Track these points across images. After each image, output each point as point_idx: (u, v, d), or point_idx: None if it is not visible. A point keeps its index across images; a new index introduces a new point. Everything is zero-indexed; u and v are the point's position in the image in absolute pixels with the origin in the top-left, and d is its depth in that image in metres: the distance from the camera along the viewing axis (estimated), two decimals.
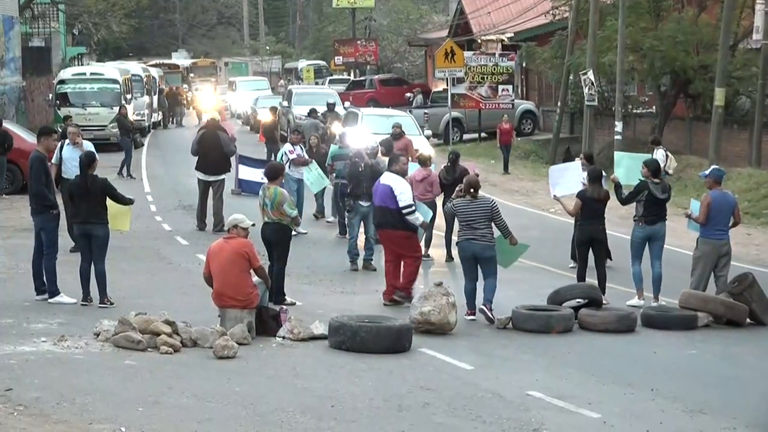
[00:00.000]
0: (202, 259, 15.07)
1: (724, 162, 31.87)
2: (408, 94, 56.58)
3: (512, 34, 52.48)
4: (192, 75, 78.90)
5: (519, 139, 43.38)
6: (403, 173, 17.70)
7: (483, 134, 47.85)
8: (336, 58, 71.74)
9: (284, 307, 15.53)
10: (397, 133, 26.59)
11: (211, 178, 23.68)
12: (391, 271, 17.18)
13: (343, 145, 24.21)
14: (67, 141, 20.73)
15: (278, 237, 16.67)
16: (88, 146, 19.81)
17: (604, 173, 18.53)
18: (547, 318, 15.72)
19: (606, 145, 39.06)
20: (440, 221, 21.54)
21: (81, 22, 63.51)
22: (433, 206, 21.46)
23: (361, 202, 20.16)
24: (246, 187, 27.64)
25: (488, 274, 16.24)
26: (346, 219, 21.27)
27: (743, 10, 36.25)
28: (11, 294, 16.49)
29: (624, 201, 18.00)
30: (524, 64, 52.71)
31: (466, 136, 48.27)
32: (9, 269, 18.58)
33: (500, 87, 44.62)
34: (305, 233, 23.42)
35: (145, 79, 52.14)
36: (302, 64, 78.24)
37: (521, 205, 30.48)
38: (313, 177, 24.19)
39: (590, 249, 17.70)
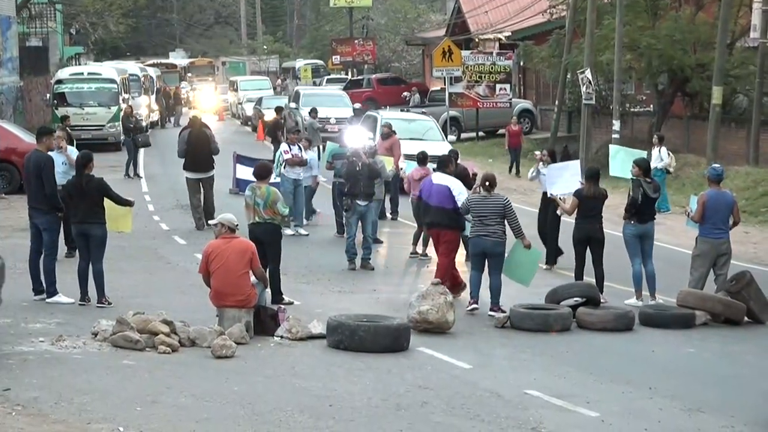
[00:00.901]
0: (200, 259, 15.05)
1: (721, 160, 31.85)
2: (405, 94, 56.60)
3: (510, 33, 52.47)
4: (190, 74, 78.87)
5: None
6: (459, 174, 18.39)
7: (481, 133, 47.90)
8: (333, 57, 71.74)
9: (282, 306, 15.54)
10: (386, 133, 26.76)
11: (202, 176, 23.91)
12: (446, 266, 17.34)
13: (341, 144, 24.25)
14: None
15: (271, 237, 16.62)
16: (72, 152, 19.74)
17: (581, 182, 18.58)
18: (545, 317, 15.72)
19: (604, 144, 39.03)
20: None
21: (78, 22, 63.48)
22: None
23: (358, 201, 20.17)
24: (243, 187, 27.58)
25: (493, 273, 16.51)
26: (344, 218, 21.28)
27: (740, 8, 36.25)
28: (9, 294, 16.43)
29: (630, 207, 17.74)
30: (522, 63, 52.69)
31: (463, 135, 48.29)
32: (7, 269, 18.51)
33: (498, 86, 44.65)
34: (306, 235, 23.43)
35: (142, 79, 52.15)
36: (300, 63, 78.25)
37: (519, 204, 30.37)
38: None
39: (587, 247, 17.73)
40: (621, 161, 21.38)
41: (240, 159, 29.03)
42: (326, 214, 24.93)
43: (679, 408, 12.13)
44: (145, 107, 51.02)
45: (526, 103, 50.99)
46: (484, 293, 16.66)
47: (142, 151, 37.73)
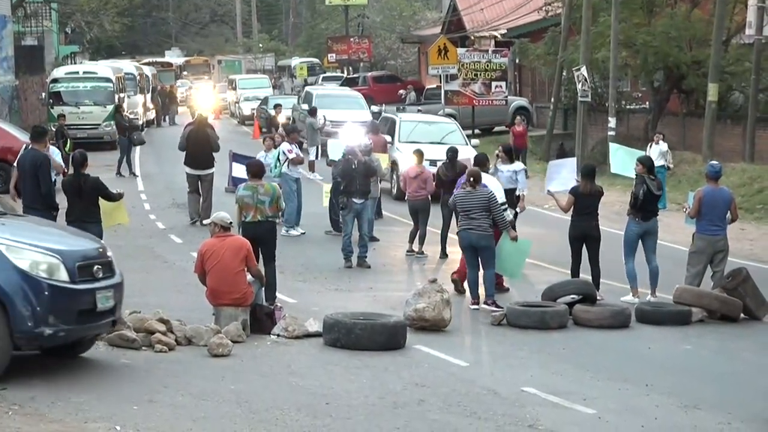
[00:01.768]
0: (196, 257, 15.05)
1: (717, 157, 31.86)
2: (401, 91, 56.56)
3: (505, 31, 52.47)
4: (185, 73, 78.76)
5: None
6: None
7: (476, 131, 47.85)
8: (329, 55, 71.68)
9: (279, 304, 15.53)
10: (374, 129, 26.76)
11: (200, 172, 24.16)
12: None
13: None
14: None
15: (271, 235, 16.61)
16: (54, 152, 19.64)
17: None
18: (542, 314, 15.73)
19: (599, 141, 39.08)
20: (436, 219, 21.54)
21: (74, 21, 63.44)
22: (426, 203, 21.52)
23: (354, 200, 20.17)
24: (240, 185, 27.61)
25: (486, 266, 16.64)
26: (340, 216, 21.28)
27: (736, 5, 36.25)
28: None
29: (633, 205, 17.73)
30: (518, 61, 52.68)
31: None
32: None
33: (494, 83, 44.59)
34: (304, 233, 23.43)
35: (138, 78, 52.10)
36: (295, 61, 78.16)
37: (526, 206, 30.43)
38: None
39: (583, 245, 17.74)
40: (621, 159, 21.40)
41: (236, 157, 28.99)
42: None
43: (675, 405, 12.14)
44: (141, 106, 50.99)
45: (522, 101, 50.96)
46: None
47: (138, 149, 37.72)
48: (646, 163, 17.82)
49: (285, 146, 24.01)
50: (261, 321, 14.59)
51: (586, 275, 17.67)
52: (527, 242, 17.52)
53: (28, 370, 12.02)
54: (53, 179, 17.22)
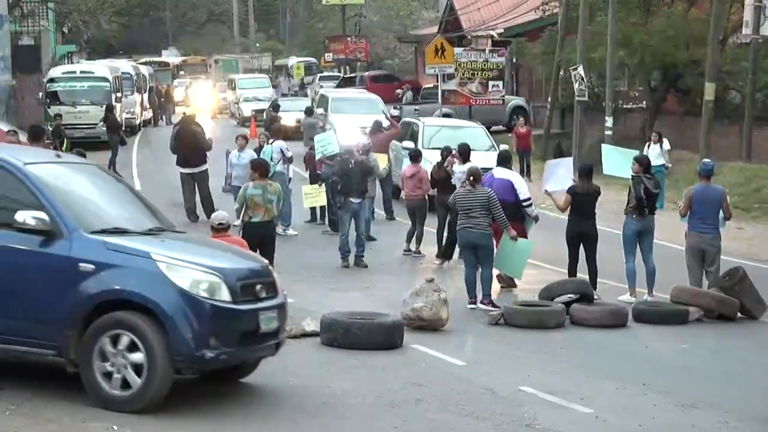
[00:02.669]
0: None
1: (715, 156, 31.84)
2: (398, 91, 56.54)
3: (502, 30, 52.45)
4: (182, 72, 78.69)
5: (509, 135, 43.31)
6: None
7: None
8: (326, 54, 71.67)
9: None
10: (377, 128, 26.66)
11: (192, 170, 24.48)
12: None
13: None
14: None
15: (274, 235, 16.80)
16: None
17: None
18: (539, 314, 15.73)
19: (597, 141, 39.04)
20: (432, 218, 21.55)
21: (71, 21, 63.34)
22: (423, 203, 21.52)
23: (351, 199, 20.16)
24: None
25: (485, 264, 16.76)
26: (337, 216, 21.28)
27: (733, 4, 36.25)
28: None
29: (636, 204, 17.73)
30: (515, 60, 52.68)
31: None
32: None
33: (491, 83, 44.55)
34: (296, 234, 23.42)
35: (135, 77, 52.06)
36: (292, 61, 78.12)
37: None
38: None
39: (581, 244, 17.76)
40: (615, 160, 21.37)
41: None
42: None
43: (672, 404, 12.15)
44: (138, 105, 50.95)
45: (519, 100, 50.94)
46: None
47: (135, 149, 37.72)
48: (642, 162, 17.84)
49: (281, 144, 23.98)
50: None
51: (583, 274, 17.67)
52: (529, 243, 17.56)
53: (25, 370, 12.01)
54: None
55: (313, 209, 24.81)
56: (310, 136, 32.47)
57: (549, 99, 43.97)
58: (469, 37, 56.55)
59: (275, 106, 38.72)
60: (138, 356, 10.34)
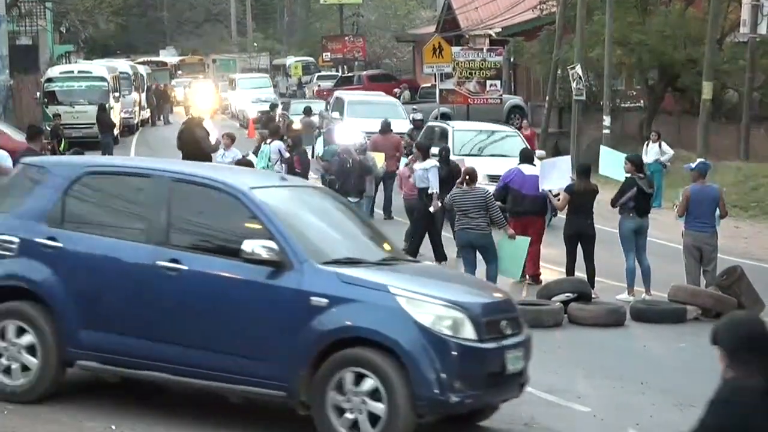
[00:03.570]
0: None
1: (712, 155, 31.90)
2: (396, 90, 56.58)
3: (500, 30, 52.45)
4: (180, 72, 78.65)
5: None
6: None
7: None
8: (324, 54, 71.67)
9: None
10: (386, 128, 26.62)
11: None
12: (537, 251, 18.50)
13: (330, 141, 24.26)
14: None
15: None
16: (2, 157, 19.56)
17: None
18: (537, 313, 15.73)
19: (594, 140, 39.07)
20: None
21: (68, 20, 63.31)
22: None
23: (350, 198, 20.15)
24: None
25: (488, 261, 16.90)
26: None
27: (730, 3, 36.31)
28: None
29: (614, 202, 17.93)
30: (512, 59, 52.70)
31: None
32: None
33: (488, 82, 44.59)
34: None
35: (133, 77, 52.06)
36: (290, 60, 78.15)
37: None
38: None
39: (578, 243, 17.78)
40: (612, 162, 21.35)
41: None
42: None
43: (670, 402, 12.15)
44: (136, 105, 50.96)
45: (516, 99, 50.96)
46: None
47: (133, 147, 37.70)
48: (635, 162, 17.89)
49: (279, 144, 23.97)
50: None
51: (581, 273, 17.68)
52: (525, 240, 17.53)
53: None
54: None
55: None
56: (308, 135, 32.56)
57: (547, 98, 43.97)
58: (467, 36, 56.57)
59: (273, 106, 38.73)
60: (376, 403, 9.47)
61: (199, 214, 10.40)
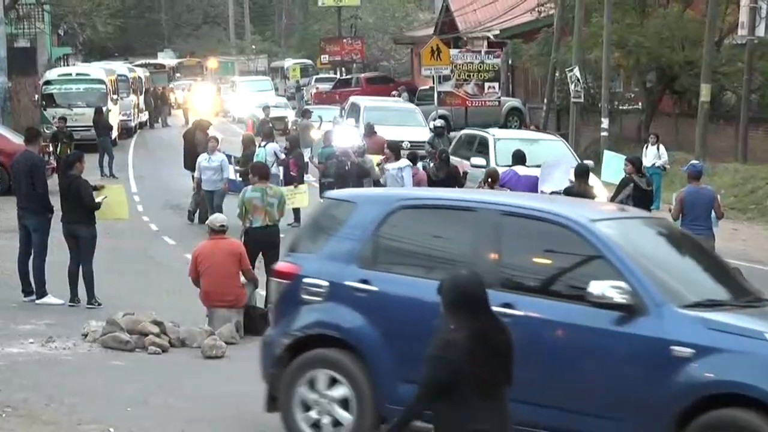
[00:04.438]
0: (190, 259, 15.03)
1: (710, 157, 31.94)
2: (394, 93, 56.58)
3: (498, 32, 52.47)
4: (178, 75, 78.63)
5: None
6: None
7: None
8: (322, 56, 71.64)
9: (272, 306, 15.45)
10: (371, 131, 26.72)
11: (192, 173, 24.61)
12: None
13: (327, 144, 24.22)
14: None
15: (278, 240, 15.94)
16: None
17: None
18: None
19: (593, 142, 39.10)
20: None
21: (66, 23, 63.34)
22: None
23: None
24: (233, 187, 27.64)
25: None
26: None
27: (728, 5, 36.31)
28: None
29: (611, 200, 18.01)
30: (510, 61, 52.71)
31: (452, 134, 48.07)
32: None
33: (486, 84, 44.65)
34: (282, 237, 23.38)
35: (131, 79, 52.04)
36: (288, 62, 78.13)
37: None
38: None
39: None
40: (614, 167, 21.32)
41: (229, 159, 29.00)
42: None
43: None
44: (134, 107, 50.95)
45: (514, 101, 51.00)
46: None
47: (131, 150, 37.72)
48: (635, 163, 17.94)
49: (276, 147, 23.95)
50: (254, 322, 14.54)
51: None
52: None
53: (21, 372, 12.02)
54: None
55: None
56: (305, 138, 32.54)
57: (545, 100, 44.02)
58: (465, 38, 56.61)
59: (265, 108, 38.69)
60: None
61: (533, 251, 9.23)
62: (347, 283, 9.47)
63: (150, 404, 11.02)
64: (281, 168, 23.72)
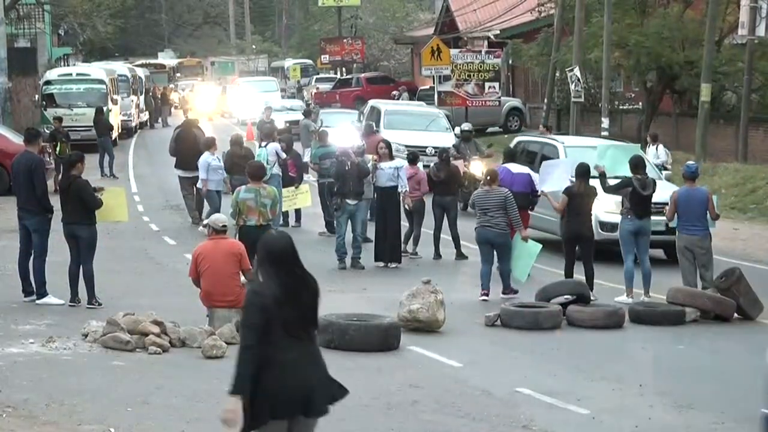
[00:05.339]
0: (190, 259, 15.03)
1: (710, 157, 31.97)
2: (394, 93, 56.60)
3: (498, 32, 52.52)
4: (179, 75, 78.63)
5: (506, 136, 43.33)
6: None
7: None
8: (322, 56, 71.68)
9: None
10: (370, 131, 26.81)
11: (190, 174, 24.21)
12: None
13: (323, 144, 24.21)
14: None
15: None
16: None
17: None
18: (536, 315, 15.74)
19: None
20: (428, 219, 21.55)
21: (67, 23, 63.35)
22: (421, 204, 21.52)
23: (348, 201, 20.17)
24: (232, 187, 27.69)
25: (502, 260, 17.66)
26: (334, 218, 21.29)
27: (728, 5, 36.32)
28: None
29: (607, 190, 18.07)
30: (511, 61, 52.75)
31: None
32: None
33: (487, 84, 44.62)
34: None
35: (131, 80, 52.05)
36: (289, 62, 78.18)
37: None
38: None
39: (577, 245, 17.79)
40: (611, 160, 21.22)
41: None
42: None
43: (669, 405, 12.15)
44: (134, 107, 50.96)
45: (515, 101, 51.02)
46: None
47: (131, 150, 37.74)
48: (632, 163, 17.95)
49: (276, 147, 23.92)
50: None
51: (579, 276, 17.68)
52: (537, 245, 17.78)
53: (21, 372, 12.02)
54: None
55: (285, 213, 24.22)
56: (306, 137, 32.57)
57: (545, 100, 44.03)
58: (465, 38, 56.63)
59: (266, 108, 38.69)
60: None
61: None
62: None
63: (150, 404, 11.02)
64: (281, 168, 23.68)
